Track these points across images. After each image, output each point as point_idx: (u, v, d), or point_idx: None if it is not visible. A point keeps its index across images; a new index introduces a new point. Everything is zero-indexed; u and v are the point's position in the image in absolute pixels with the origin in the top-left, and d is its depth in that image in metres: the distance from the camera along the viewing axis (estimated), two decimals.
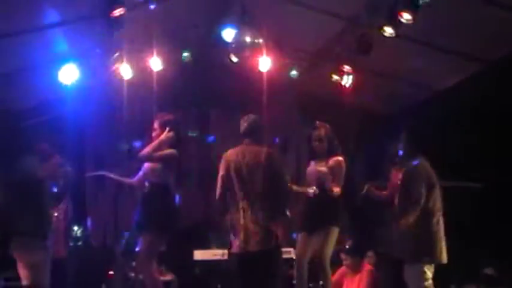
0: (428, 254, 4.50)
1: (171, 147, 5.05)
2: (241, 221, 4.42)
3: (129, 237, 6.62)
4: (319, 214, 5.11)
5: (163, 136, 5.03)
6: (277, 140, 8.14)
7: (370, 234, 6.31)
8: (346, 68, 6.66)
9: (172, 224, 5.07)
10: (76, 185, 6.37)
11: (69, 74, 6.26)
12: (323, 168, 5.13)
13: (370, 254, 6.21)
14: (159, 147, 5.01)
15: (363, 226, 6.79)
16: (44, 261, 4.56)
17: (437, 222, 4.61)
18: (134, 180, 5.30)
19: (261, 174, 4.42)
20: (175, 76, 7.26)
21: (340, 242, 5.52)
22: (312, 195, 5.08)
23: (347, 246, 6.01)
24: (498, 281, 6.17)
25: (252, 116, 4.72)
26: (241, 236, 4.42)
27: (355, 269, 5.97)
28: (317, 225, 5.13)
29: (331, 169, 5.13)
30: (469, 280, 6.29)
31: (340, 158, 5.17)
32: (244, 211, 4.42)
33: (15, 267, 5.13)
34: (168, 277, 6.72)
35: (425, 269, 4.48)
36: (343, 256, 6.02)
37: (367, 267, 5.98)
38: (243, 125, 4.68)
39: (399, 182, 4.76)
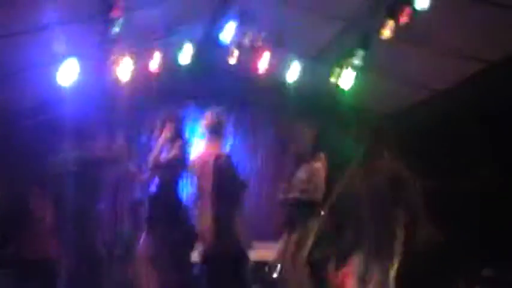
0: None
1: (173, 145, 5.04)
2: (201, 221, 4.44)
3: (129, 238, 6.62)
4: (298, 218, 5.19)
5: (161, 139, 5.03)
6: None
7: None
8: (345, 68, 6.65)
9: (176, 224, 5.09)
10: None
11: (67, 75, 6.25)
12: (302, 174, 5.21)
13: None
14: (161, 150, 5.01)
15: None
16: None
17: None
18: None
19: (209, 175, 4.43)
20: (174, 76, 7.26)
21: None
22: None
23: None
24: (497, 282, 6.15)
25: (213, 113, 4.72)
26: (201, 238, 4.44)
27: None
28: (297, 228, 5.22)
29: (312, 175, 5.22)
30: (468, 281, 6.28)
31: (319, 165, 5.22)
32: (199, 212, 4.44)
33: (14, 266, 5.12)
34: (170, 277, 6.70)
35: None
36: None
37: None
38: (203, 122, 4.70)
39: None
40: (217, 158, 4.48)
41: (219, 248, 4.31)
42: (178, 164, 5.03)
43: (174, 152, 4.98)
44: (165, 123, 5.12)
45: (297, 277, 5.58)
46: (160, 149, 4.99)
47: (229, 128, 4.83)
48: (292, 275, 5.64)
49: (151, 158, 5.02)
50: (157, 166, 5.01)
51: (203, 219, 4.41)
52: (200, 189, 4.49)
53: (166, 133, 5.03)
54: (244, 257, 4.52)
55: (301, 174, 5.25)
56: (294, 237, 5.55)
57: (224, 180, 4.40)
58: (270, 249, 7.04)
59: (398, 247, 4.42)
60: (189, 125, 8.13)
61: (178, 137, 5.08)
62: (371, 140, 4.68)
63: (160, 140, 5.01)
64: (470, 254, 6.34)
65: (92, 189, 6.02)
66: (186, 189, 6.97)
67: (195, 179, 4.58)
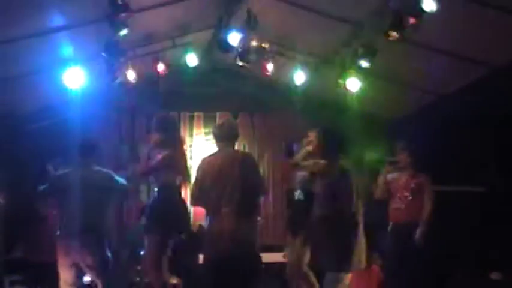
0: (348, 262, 4.59)
1: (163, 147, 5.01)
2: (215, 227, 4.38)
3: (135, 241, 6.62)
4: (301, 218, 5.21)
5: (151, 146, 5.03)
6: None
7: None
8: (352, 72, 6.65)
9: (179, 226, 5.06)
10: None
11: (74, 78, 6.26)
12: (304, 173, 5.23)
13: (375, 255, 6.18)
14: (149, 156, 5.01)
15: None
16: None
17: None
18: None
19: (235, 179, 4.39)
20: (180, 80, 7.27)
21: None
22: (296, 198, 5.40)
23: None
24: (505, 286, 6.15)
25: (228, 121, 4.72)
26: (213, 241, 4.40)
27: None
28: (300, 229, 5.23)
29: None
30: (476, 285, 6.27)
31: (322, 162, 5.22)
32: (220, 216, 4.38)
33: (21, 271, 5.09)
34: (174, 281, 6.70)
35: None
36: None
37: (374, 267, 5.98)
38: (217, 130, 4.67)
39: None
40: (244, 157, 4.45)
41: (237, 249, 4.26)
42: (167, 170, 5.04)
43: (160, 157, 4.98)
44: (157, 128, 5.13)
45: (303, 278, 5.58)
46: (149, 155, 5.00)
47: (239, 134, 4.77)
48: (298, 277, 5.63)
49: (140, 166, 5.03)
50: (146, 173, 5.03)
51: (223, 220, 4.33)
52: (219, 189, 4.40)
53: (156, 140, 5.03)
54: (258, 259, 4.49)
55: (301, 173, 5.26)
56: (299, 239, 5.55)
57: (252, 179, 4.38)
58: (276, 251, 7.05)
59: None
60: (196, 128, 8.22)
61: (168, 142, 5.07)
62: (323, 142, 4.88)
63: (150, 148, 5.03)
64: (478, 258, 6.34)
65: (99, 194, 6.02)
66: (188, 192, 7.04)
67: (212, 179, 4.46)
